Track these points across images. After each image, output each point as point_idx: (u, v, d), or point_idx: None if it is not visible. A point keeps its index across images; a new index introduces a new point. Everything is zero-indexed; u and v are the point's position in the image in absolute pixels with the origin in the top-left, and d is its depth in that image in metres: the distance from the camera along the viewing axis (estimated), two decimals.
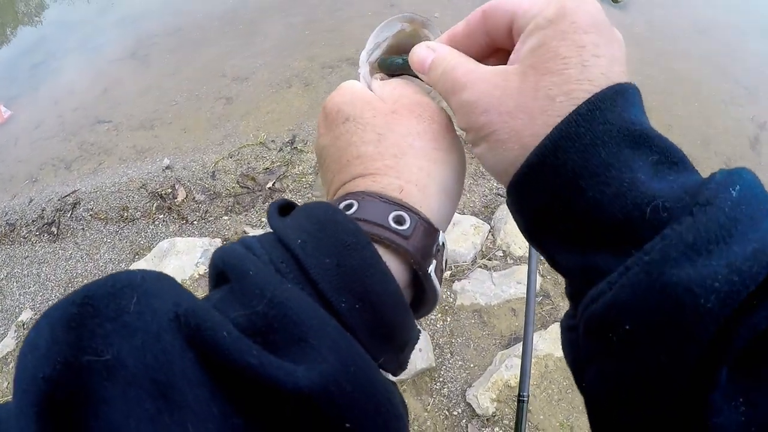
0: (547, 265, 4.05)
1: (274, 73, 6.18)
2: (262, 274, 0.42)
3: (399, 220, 0.51)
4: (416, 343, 0.54)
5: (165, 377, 0.34)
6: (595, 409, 0.46)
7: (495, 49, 0.61)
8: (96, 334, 0.34)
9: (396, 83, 0.66)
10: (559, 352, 3.59)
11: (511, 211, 0.54)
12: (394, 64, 0.72)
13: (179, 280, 2.77)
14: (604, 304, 0.42)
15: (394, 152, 0.57)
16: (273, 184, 4.70)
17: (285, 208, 0.54)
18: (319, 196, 4.67)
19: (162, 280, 0.41)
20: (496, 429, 3.29)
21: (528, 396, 2.06)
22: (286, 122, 5.50)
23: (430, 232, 0.53)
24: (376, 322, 0.46)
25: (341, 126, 0.61)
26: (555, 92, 0.48)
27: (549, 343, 3.62)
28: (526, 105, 0.49)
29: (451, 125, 0.62)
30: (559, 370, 3.53)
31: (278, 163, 4.92)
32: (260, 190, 4.67)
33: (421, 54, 0.62)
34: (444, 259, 0.56)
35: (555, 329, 3.70)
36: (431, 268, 0.53)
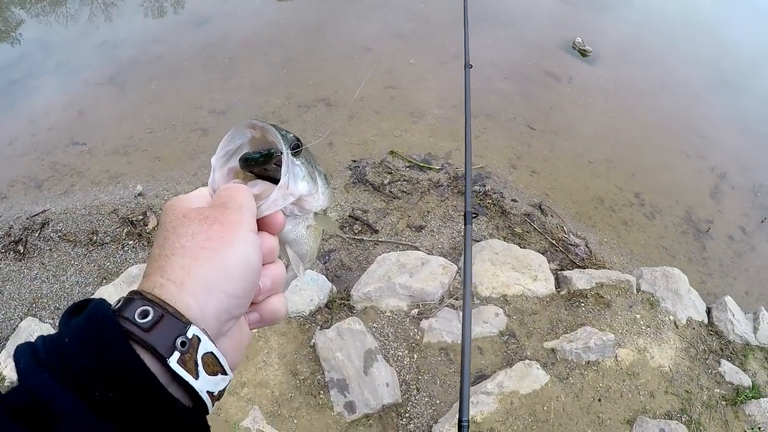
0: (513, 305, 4.14)
1: (251, 108, 6.25)
2: (27, 367, 0.54)
3: (144, 314, 0.58)
4: (194, 422, 0.62)
5: None
6: None
7: None
8: None
9: (225, 187, 0.75)
10: (523, 390, 3.67)
11: None
12: (252, 158, 0.79)
13: None
14: None
15: (167, 253, 0.65)
16: None
17: (82, 304, 0.61)
18: None
19: None
20: None
21: (468, 422, 2.11)
22: None
23: (173, 325, 0.59)
24: (133, 406, 0.54)
25: (158, 230, 0.70)
26: None
27: (514, 380, 3.69)
28: None
29: (237, 227, 0.68)
30: (524, 407, 3.59)
31: None
32: None
33: None
34: (203, 351, 0.61)
35: (520, 367, 3.78)
36: (172, 359, 0.58)
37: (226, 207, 0.69)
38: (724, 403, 4.10)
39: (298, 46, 7.59)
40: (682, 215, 6.26)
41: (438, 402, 3.68)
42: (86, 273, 4.28)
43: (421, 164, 5.89)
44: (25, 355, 0.56)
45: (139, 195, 5.03)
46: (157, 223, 4.66)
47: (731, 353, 4.53)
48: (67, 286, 4.18)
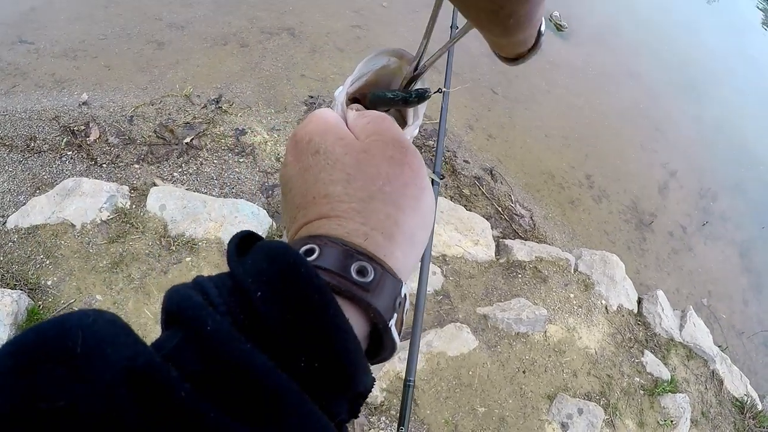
0: (451, 266, 4.12)
1: (212, 27, 6.01)
2: (220, 331, 0.40)
3: (362, 271, 0.49)
4: (370, 391, 0.50)
5: (119, 430, 0.33)
6: None
7: None
8: (49, 381, 0.34)
9: (372, 117, 0.64)
10: (451, 352, 3.66)
11: None
12: (384, 97, 0.72)
13: (80, 224, 2.62)
14: None
15: (362, 196, 0.55)
16: (191, 140, 4.59)
17: (244, 240, 0.51)
18: (237, 163, 4.59)
19: (116, 324, 0.39)
20: (383, 418, 3.31)
21: (414, 381, 2.08)
22: (215, 79, 5.38)
23: (392, 284, 0.51)
24: (335, 380, 0.44)
25: (310, 158, 0.59)
26: None
27: (444, 341, 3.69)
28: None
29: (424, 170, 0.61)
30: (450, 368, 3.59)
31: (200, 120, 4.81)
32: (177, 144, 4.56)
33: None
34: (405, 310, 0.54)
35: (451, 329, 3.78)
36: (392, 322, 0.50)
37: (404, 146, 0.60)
38: (642, 392, 4.20)
39: None
40: (628, 204, 6.33)
41: None
42: (19, 181, 4.08)
43: None
44: (205, 310, 0.41)
45: (83, 104, 4.81)
46: (104, 136, 4.48)
47: (655, 345, 4.63)
48: None
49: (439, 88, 0.74)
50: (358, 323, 0.48)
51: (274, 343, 0.42)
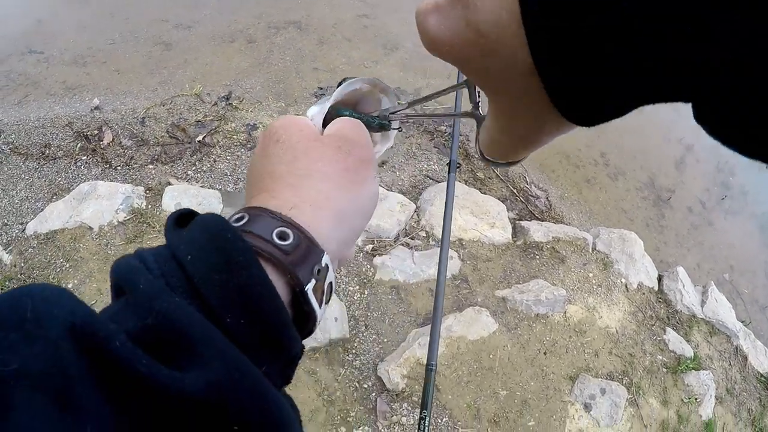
0: (468, 250, 4.10)
1: (219, 25, 6.04)
2: (152, 288, 0.44)
3: (282, 236, 0.52)
4: (300, 359, 0.55)
5: (64, 383, 0.36)
6: None
7: None
8: (4, 346, 0.37)
9: (345, 119, 0.71)
10: (471, 336, 3.66)
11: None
12: (341, 114, 0.75)
13: (97, 226, 2.67)
14: None
15: (301, 173, 0.60)
16: (203, 138, 4.61)
17: (184, 218, 0.54)
18: (250, 158, 4.61)
19: (61, 291, 0.42)
20: (405, 404, 3.32)
21: (436, 365, 2.10)
22: (224, 77, 5.40)
23: (312, 251, 0.54)
24: (261, 336, 0.47)
25: (271, 146, 0.64)
26: None
27: (463, 325, 3.68)
28: None
29: (371, 165, 0.67)
30: (471, 352, 3.59)
31: (211, 117, 4.83)
32: (189, 143, 4.58)
33: None
34: (328, 281, 0.57)
35: (470, 313, 3.77)
36: (309, 287, 0.53)
37: (356, 141, 0.67)
38: (665, 370, 4.15)
39: None
40: (645, 181, 6.27)
41: (385, 340, 3.65)
42: (36, 188, 4.12)
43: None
44: (140, 273, 0.46)
45: (95, 109, 4.85)
46: (118, 139, 4.51)
47: (677, 323, 4.58)
48: (17, 201, 4.01)
49: (400, 127, 0.82)
50: (279, 285, 0.50)
51: (202, 300, 0.45)
